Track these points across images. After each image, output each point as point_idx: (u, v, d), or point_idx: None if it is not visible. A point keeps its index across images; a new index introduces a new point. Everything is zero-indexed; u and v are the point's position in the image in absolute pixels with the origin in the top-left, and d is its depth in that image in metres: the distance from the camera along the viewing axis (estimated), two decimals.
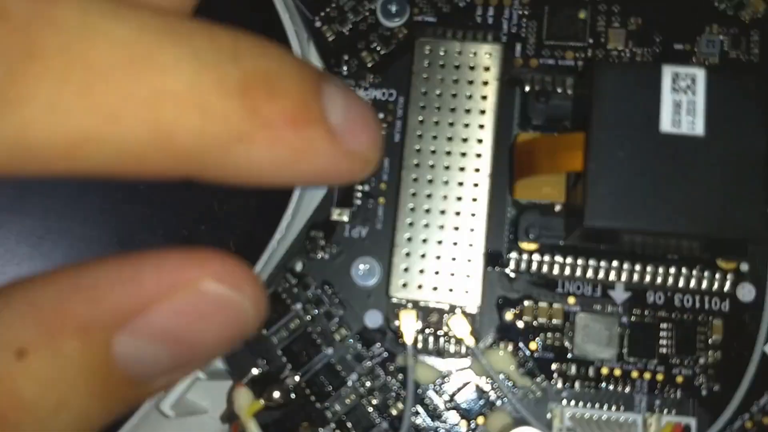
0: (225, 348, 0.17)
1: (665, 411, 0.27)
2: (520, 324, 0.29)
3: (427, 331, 0.28)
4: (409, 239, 0.28)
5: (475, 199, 0.29)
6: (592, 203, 0.25)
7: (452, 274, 0.28)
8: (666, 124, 0.25)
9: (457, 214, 0.28)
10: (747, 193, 0.24)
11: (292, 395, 0.29)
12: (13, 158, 0.14)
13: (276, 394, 0.28)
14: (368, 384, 0.29)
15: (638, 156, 0.25)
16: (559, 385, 0.28)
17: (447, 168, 0.29)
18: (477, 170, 0.29)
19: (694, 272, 0.28)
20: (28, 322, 0.14)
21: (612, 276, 0.28)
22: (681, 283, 0.28)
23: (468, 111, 0.29)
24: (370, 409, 0.29)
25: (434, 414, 0.28)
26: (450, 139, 0.29)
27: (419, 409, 0.28)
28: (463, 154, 0.29)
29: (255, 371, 0.29)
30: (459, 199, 0.29)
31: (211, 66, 0.14)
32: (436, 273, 0.28)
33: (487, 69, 0.30)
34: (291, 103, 0.15)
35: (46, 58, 0.13)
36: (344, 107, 0.17)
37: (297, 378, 0.29)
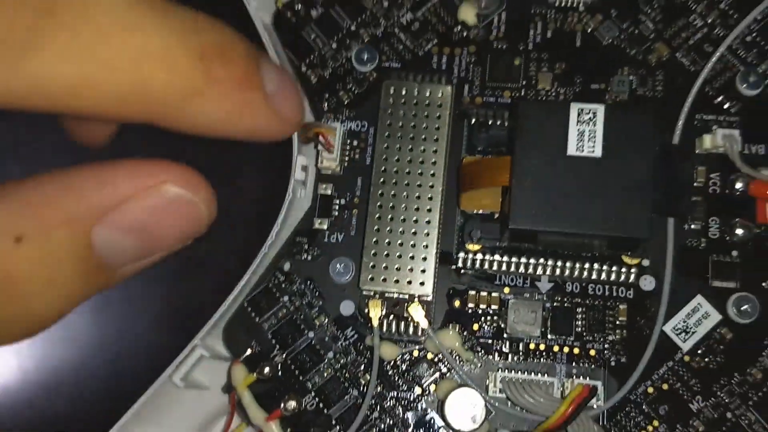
0: (183, 241, 0.20)
1: (581, 378, 0.33)
2: (465, 310, 0.34)
3: (390, 316, 0.34)
4: (376, 242, 0.34)
5: (429, 210, 0.34)
6: (515, 210, 0.31)
7: (411, 270, 0.33)
8: (572, 149, 0.31)
9: (415, 221, 0.34)
10: (636, 201, 0.30)
11: (279, 370, 0.34)
12: (30, 93, 0.16)
13: (266, 370, 0.33)
14: (342, 360, 0.34)
15: (551, 173, 0.31)
16: (496, 358, 0.34)
17: (407, 185, 0.34)
18: (431, 186, 0.34)
19: (604, 267, 0.33)
20: (24, 213, 0.17)
21: (538, 270, 0.34)
22: (594, 276, 0.33)
23: (425, 139, 0.35)
24: (343, 381, 0.34)
25: (395, 383, 0.34)
26: (410, 161, 0.34)
27: (383, 379, 0.34)
28: (421, 174, 0.34)
29: (249, 351, 0.34)
30: (417, 209, 0.34)
31: (179, 35, 0.18)
32: (398, 269, 0.33)
33: (440, 105, 0.35)
34: (238, 68, 0.19)
35: (62, 15, 0.16)
36: (277, 80, 0.21)
37: (284, 356, 0.34)
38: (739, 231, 0.34)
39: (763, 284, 0.33)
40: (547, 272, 0.34)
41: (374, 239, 0.34)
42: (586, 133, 0.31)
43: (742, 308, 0.33)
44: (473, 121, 0.36)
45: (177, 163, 0.19)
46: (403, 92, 0.35)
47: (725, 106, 0.35)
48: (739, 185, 0.34)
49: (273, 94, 0.21)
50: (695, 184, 0.34)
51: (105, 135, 0.25)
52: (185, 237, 0.20)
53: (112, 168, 0.18)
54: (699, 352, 0.33)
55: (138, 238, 0.19)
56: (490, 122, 0.36)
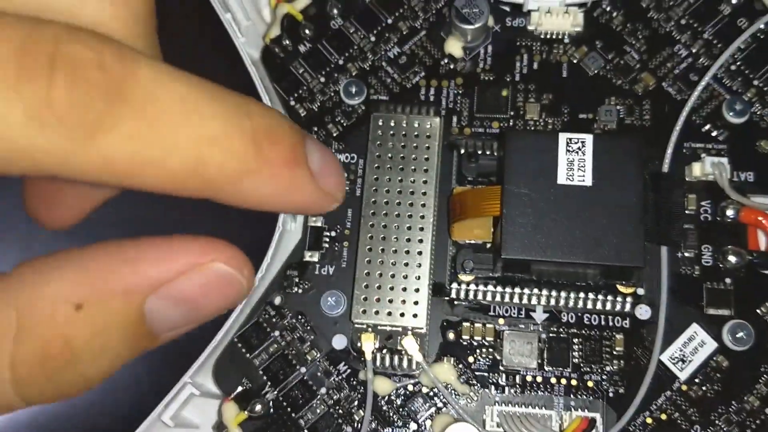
0: (222, 311, 0.22)
1: (579, 410, 0.32)
2: (460, 342, 0.34)
3: (383, 350, 0.34)
4: (368, 274, 0.34)
5: (421, 240, 0.34)
6: (506, 240, 0.31)
7: (403, 302, 0.33)
8: (562, 178, 0.31)
9: (407, 252, 0.34)
10: (627, 229, 0.30)
11: (271, 407, 0.34)
12: (97, 170, 0.18)
13: (258, 407, 0.33)
14: (335, 396, 0.34)
15: (541, 203, 0.31)
16: (493, 391, 0.33)
17: (398, 216, 0.34)
18: (422, 217, 0.34)
19: (599, 296, 0.33)
20: (86, 282, 0.19)
21: (533, 300, 0.33)
22: (589, 305, 0.33)
23: (414, 170, 0.35)
24: (337, 417, 0.34)
25: (390, 419, 0.33)
26: (400, 192, 0.34)
27: (377, 415, 0.33)
28: (411, 205, 0.34)
29: (240, 388, 0.34)
30: (408, 240, 0.34)
31: (234, 119, 0.19)
32: (390, 301, 0.33)
33: (429, 136, 0.35)
34: (285, 149, 0.21)
35: (131, 100, 0.17)
36: (320, 157, 0.23)
37: (276, 393, 0.34)
38: (732, 258, 0.33)
39: (758, 311, 0.33)
40: (542, 302, 0.33)
41: (366, 271, 0.34)
42: (575, 162, 0.31)
43: (737, 335, 0.33)
44: (462, 151, 0.36)
45: (225, 242, 0.21)
46: (392, 124, 0.36)
47: (713, 134, 0.36)
48: (730, 212, 0.34)
49: (318, 171, 0.23)
50: (687, 212, 0.34)
51: (72, 220, 0.27)
52: (225, 308, 0.22)
53: (168, 243, 0.20)
54: (696, 380, 0.33)
55: (185, 309, 0.20)
56: (479, 152, 0.36)
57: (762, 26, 0.37)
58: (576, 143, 0.32)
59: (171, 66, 0.19)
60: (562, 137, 0.32)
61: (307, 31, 0.38)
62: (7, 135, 0.17)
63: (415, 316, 0.33)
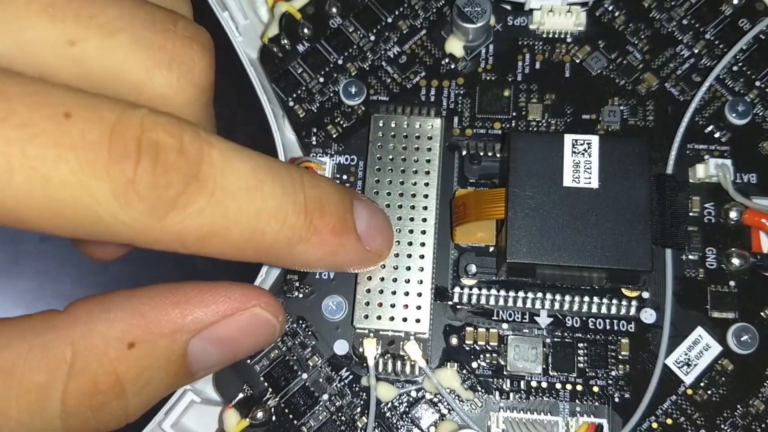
0: (254, 352, 0.27)
1: (584, 415, 0.32)
2: (463, 347, 0.33)
3: (386, 355, 0.33)
4: (369, 278, 0.33)
5: (423, 244, 0.33)
6: (511, 244, 0.30)
7: (406, 307, 0.33)
8: (568, 180, 0.31)
9: (409, 256, 0.33)
10: (635, 232, 0.30)
11: (273, 414, 0.33)
12: (170, 241, 0.20)
13: (259, 414, 0.32)
14: (337, 403, 0.33)
15: (547, 206, 0.30)
16: (497, 396, 0.33)
17: (399, 219, 0.34)
18: (424, 220, 0.34)
19: (604, 300, 0.33)
20: (138, 323, 0.20)
21: (537, 305, 0.33)
22: (594, 309, 0.33)
23: (416, 172, 0.34)
24: (340, 424, 0.33)
25: (393, 426, 0.33)
26: (401, 195, 0.34)
27: (381, 422, 0.33)
28: (413, 207, 0.34)
29: (241, 395, 0.33)
30: (410, 244, 0.33)
31: (289, 193, 0.22)
32: (393, 306, 0.32)
33: (430, 138, 0.35)
34: (333, 219, 0.24)
35: (202, 181, 0.20)
36: (368, 219, 0.27)
37: (277, 399, 0.33)
38: (736, 261, 0.33)
39: (762, 314, 0.33)
40: (546, 306, 0.33)
41: (367, 275, 0.33)
42: (581, 164, 0.31)
43: (742, 339, 0.32)
44: (464, 152, 0.36)
45: (263, 289, 0.24)
46: (392, 125, 0.35)
47: (716, 136, 0.36)
48: (733, 214, 0.34)
49: (365, 233, 0.26)
50: (691, 214, 0.34)
51: (117, 255, 0.30)
52: (258, 350, 0.26)
53: (213, 288, 0.22)
54: (701, 384, 0.32)
55: (225, 350, 0.23)
56: (481, 154, 0.35)
57: (764, 27, 0.37)
58: (582, 145, 0.31)
59: (236, 145, 0.21)
60: (568, 138, 0.31)
61: (305, 30, 0.37)
62: (94, 210, 0.19)
63: (417, 320, 0.33)
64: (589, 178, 0.31)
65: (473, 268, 0.34)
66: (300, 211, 0.23)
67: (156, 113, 0.20)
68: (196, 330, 0.21)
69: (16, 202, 0.18)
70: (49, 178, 0.18)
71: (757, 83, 0.36)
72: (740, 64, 0.36)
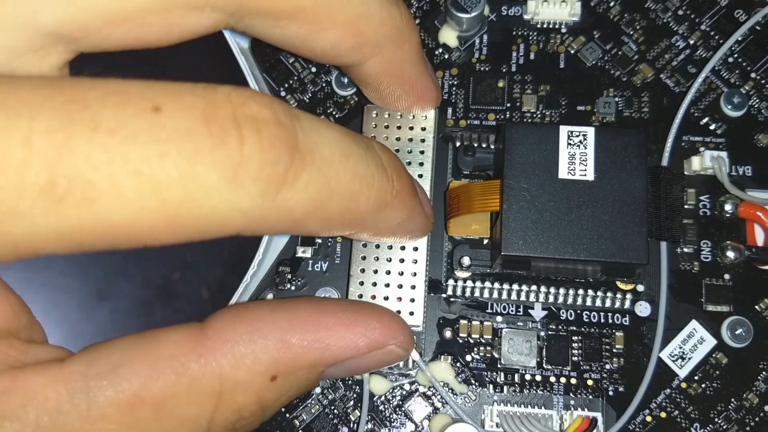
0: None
1: (579, 409, 0.32)
2: (457, 340, 0.33)
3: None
4: (363, 270, 0.33)
5: None
6: (506, 236, 0.30)
7: (399, 299, 0.32)
8: (563, 172, 0.30)
9: (402, 248, 0.32)
10: (631, 225, 0.30)
11: None
12: (278, 220, 0.19)
13: None
14: (330, 396, 0.33)
15: (542, 198, 0.30)
16: (491, 390, 0.33)
17: None
18: None
19: (599, 293, 0.33)
20: (284, 359, 0.21)
21: (531, 298, 0.33)
22: (588, 302, 0.33)
23: (409, 163, 0.34)
24: (332, 417, 0.33)
25: (386, 419, 0.33)
26: None
27: (374, 415, 0.33)
28: None
29: None
30: None
31: (373, 158, 0.22)
32: (386, 298, 0.32)
33: (424, 129, 0.34)
34: (408, 179, 0.25)
35: (302, 152, 0.19)
36: (418, 187, 0.28)
37: None
38: (731, 254, 0.33)
39: (756, 307, 0.33)
40: (540, 299, 0.33)
41: (360, 268, 0.33)
42: (577, 156, 0.31)
43: (736, 332, 0.32)
44: (458, 144, 0.35)
45: (401, 322, 0.25)
46: (386, 116, 0.34)
47: (711, 128, 0.35)
48: (728, 207, 0.34)
49: (421, 198, 0.27)
50: (686, 207, 0.34)
51: None
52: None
53: (354, 321, 0.23)
54: (696, 378, 0.32)
55: (353, 372, 0.25)
56: (475, 145, 0.35)
57: (759, 18, 0.36)
58: (578, 136, 0.31)
59: (312, 114, 0.21)
60: (564, 130, 0.31)
61: None
62: (208, 202, 0.18)
63: (411, 313, 0.32)
64: (585, 170, 0.30)
65: (467, 261, 0.33)
66: (383, 173, 0.23)
67: (238, 88, 0.19)
68: (335, 363, 0.22)
69: (129, 216, 0.17)
70: (158, 179, 0.17)
71: (753, 75, 0.36)
72: (736, 56, 0.36)
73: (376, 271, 0.33)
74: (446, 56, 0.37)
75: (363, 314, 0.23)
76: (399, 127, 0.34)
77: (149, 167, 0.17)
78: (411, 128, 0.34)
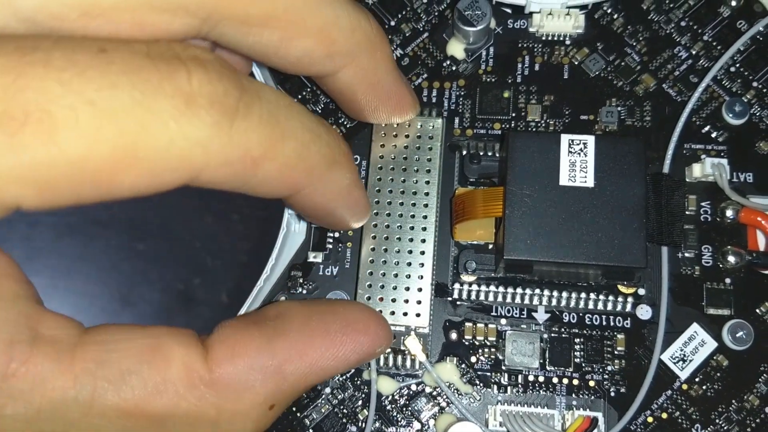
0: None
1: (581, 409, 0.33)
2: (462, 342, 0.34)
3: (387, 349, 0.34)
4: (371, 274, 0.34)
5: (424, 241, 0.34)
6: (509, 241, 0.31)
7: (406, 302, 0.33)
8: (564, 179, 0.31)
9: (410, 252, 0.34)
10: (630, 230, 0.31)
11: None
12: (243, 155, 0.20)
13: None
14: (339, 396, 0.34)
15: (544, 204, 0.31)
16: (495, 390, 0.33)
17: (401, 216, 0.34)
18: (425, 217, 0.34)
19: (601, 296, 0.34)
20: (281, 391, 0.23)
21: (535, 301, 0.34)
22: (590, 306, 0.34)
23: (417, 171, 0.35)
24: (341, 417, 0.34)
25: (393, 419, 0.34)
26: (403, 193, 0.35)
27: (381, 415, 0.34)
28: (414, 205, 0.34)
29: None
30: (411, 240, 0.34)
31: (310, 112, 0.24)
32: (393, 301, 0.33)
33: (431, 137, 0.36)
34: (349, 150, 0.26)
35: (249, 90, 0.20)
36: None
37: None
38: (732, 258, 0.34)
39: (757, 310, 0.34)
40: (544, 302, 0.34)
41: (369, 271, 0.34)
42: (577, 164, 0.32)
43: (737, 335, 0.33)
44: (464, 152, 0.36)
45: (379, 321, 0.26)
46: (395, 125, 0.36)
47: (713, 135, 0.36)
48: (729, 213, 0.34)
49: None
50: (687, 213, 0.35)
51: None
52: None
53: (344, 344, 0.24)
54: (697, 380, 0.33)
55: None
56: (481, 153, 0.36)
57: (761, 28, 0.37)
58: (578, 144, 0.32)
59: None
60: (564, 138, 0.32)
61: None
62: (162, 133, 0.18)
63: (417, 315, 0.34)
64: (585, 177, 0.31)
65: (473, 265, 0.34)
66: (329, 130, 0.24)
67: (176, 41, 0.20)
68: (321, 379, 0.24)
69: (87, 148, 0.17)
70: (112, 108, 0.17)
71: (755, 84, 0.37)
72: (738, 65, 0.37)
73: (384, 275, 0.34)
74: (454, 68, 0.38)
75: (351, 329, 0.24)
76: (407, 136, 0.36)
77: (102, 98, 0.17)
78: (419, 137, 0.36)
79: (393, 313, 0.33)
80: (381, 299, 0.34)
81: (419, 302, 0.33)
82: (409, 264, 0.34)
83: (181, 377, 0.20)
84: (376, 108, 0.31)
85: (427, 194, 0.35)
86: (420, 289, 0.34)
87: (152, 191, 0.20)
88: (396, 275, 0.34)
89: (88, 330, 0.21)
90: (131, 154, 0.18)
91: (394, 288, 0.34)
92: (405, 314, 0.33)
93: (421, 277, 0.34)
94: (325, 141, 0.23)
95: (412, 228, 0.34)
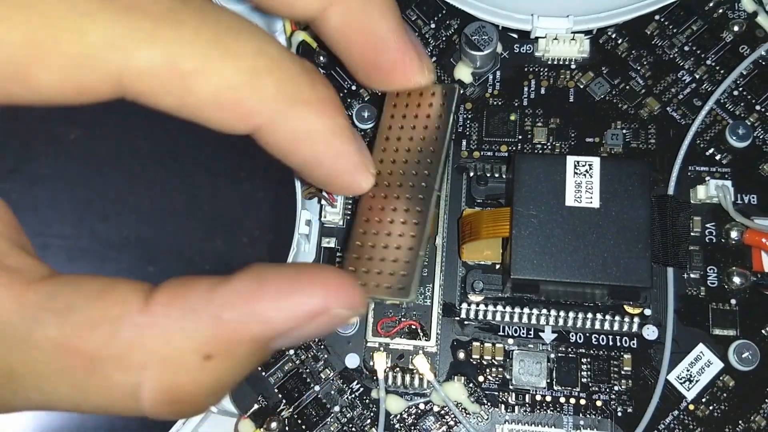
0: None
1: (588, 429, 0.33)
2: (470, 361, 0.34)
3: (395, 368, 0.34)
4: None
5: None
6: (516, 261, 0.31)
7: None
8: (570, 200, 0.32)
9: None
10: (635, 250, 0.31)
11: (287, 425, 0.34)
12: (163, 65, 0.20)
13: (273, 425, 0.33)
14: (348, 414, 0.34)
15: (550, 224, 0.32)
16: (503, 410, 0.34)
17: None
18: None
19: (607, 317, 0.34)
20: (217, 335, 0.20)
21: (542, 321, 0.34)
22: (597, 326, 0.34)
23: None
24: None
25: None
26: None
27: None
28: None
29: (256, 406, 0.34)
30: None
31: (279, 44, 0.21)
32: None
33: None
34: (332, 94, 0.23)
35: (187, 26, 0.20)
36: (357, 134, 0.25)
37: (291, 410, 0.34)
38: (737, 279, 0.34)
39: (763, 331, 0.34)
40: (551, 322, 0.34)
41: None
42: (583, 185, 0.32)
43: (743, 356, 0.33)
44: (472, 174, 0.37)
45: (342, 279, 0.21)
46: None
47: (717, 158, 0.37)
48: (734, 234, 0.35)
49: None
50: (692, 234, 0.35)
51: None
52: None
53: (294, 289, 0.20)
54: (703, 400, 0.33)
55: (298, 341, 0.22)
56: (488, 175, 0.37)
57: (764, 53, 0.38)
58: (584, 166, 0.32)
59: None
60: (570, 160, 0.32)
61: (321, 58, 0.39)
62: (74, 27, 0.18)
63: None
64: (591, 197, 0.32)
65: (480, 285, 0.35)
66: (299, 63, 0.22)
67: None
68: (279, 336, 0.20)
69: (4, 51, 0.18)
70: (25, 3, 0.18)
71: (758, 107, 0.37)
72: (741, 89, 0.38)
73: None
74: (461, 92, 0.39)
75: (303, 280, 0.21)
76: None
77: None
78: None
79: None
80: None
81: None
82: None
83: (118, 315, 0.19)
84: (373, 64, 0.27)
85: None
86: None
87: (76, 95, 0.20)
88: None
89: (57, 274, 0.21)
90: (41, 44, 0.18)
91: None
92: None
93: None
94: (289, 73, 0.21)
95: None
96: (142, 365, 0.19)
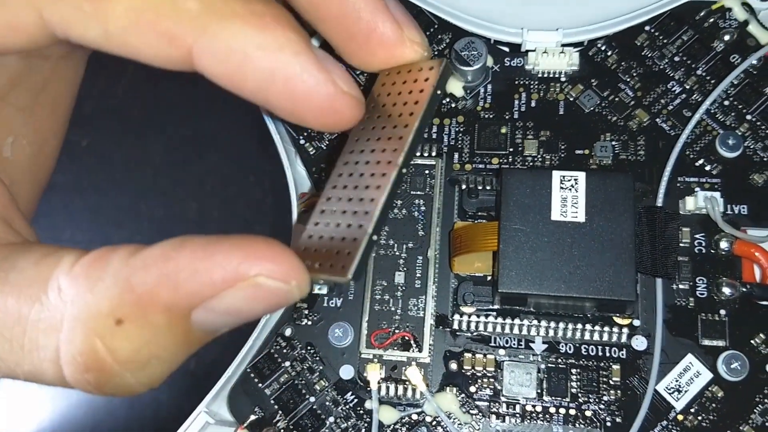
0: (271, 312, 0.23)
1: None
2: (462, 372, 0.35)
3: (389, 380, 0.35)
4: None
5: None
6: (503, 274, 0.32)
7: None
8: (556, 214, 0.33)
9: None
10: (619, 263, 0.32)
11: None
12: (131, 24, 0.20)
13: None
14: (343, 425, 0.35)
15: (536, 239, 0.32)
16: (494, 420, 0.34)
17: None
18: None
19: (597, 327, 0.34)
20: (126, 299, 0.19)
21: (532, 332, 0.35)
22: (586, 336, 0.34)
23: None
24: None
25: None
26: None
27: None
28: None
29: (253, 416, 0.35)
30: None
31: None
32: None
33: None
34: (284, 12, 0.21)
35: None
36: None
37: (286, 421, 0.35)
38: (726, 290, 0.34)
39: (752, 342, 0.34)
40: (541, 333, 0.35)
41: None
42: (568, 199, 0.33)
43: (732, 366, 0.33)
44: (464, 186, 0.38)
45: (270, 245, 0.19)
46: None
47: (707, 168, 0.37)
48: (724, 245, 0.35)
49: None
50: (681, 245, 0.36)
51: None
52: (273, 311, 0.22)
53: (209, 254, 0.19)
54: (692, 410, 0.34)
55: (231, 318, 0.20)
56: (479, 188, 0.37)
57: (754, 62, 0.38)
58: (569, 180, 0.33)
59: None
60: (556, 175, 0.33)
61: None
62: None
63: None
64: (576, 212, 0.32)
65: (471, 297, 0.35)
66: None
67: None
68: (194, 304, 0.19)
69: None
70: None
71: (748, 117, 0.38)
72: (731, 99, 0.38)
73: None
74: (453, 105, 0.39)
75: (222, 245, 0.19)
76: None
77: None
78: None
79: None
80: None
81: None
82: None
83: (46, 277, 0.19)
84: (348, 34, 0.24)
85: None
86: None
87: (6, 33, 0.20)
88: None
89: (25, 241, 0.21)
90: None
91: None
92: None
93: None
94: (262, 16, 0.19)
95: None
96: (54, 327, 0.19)
